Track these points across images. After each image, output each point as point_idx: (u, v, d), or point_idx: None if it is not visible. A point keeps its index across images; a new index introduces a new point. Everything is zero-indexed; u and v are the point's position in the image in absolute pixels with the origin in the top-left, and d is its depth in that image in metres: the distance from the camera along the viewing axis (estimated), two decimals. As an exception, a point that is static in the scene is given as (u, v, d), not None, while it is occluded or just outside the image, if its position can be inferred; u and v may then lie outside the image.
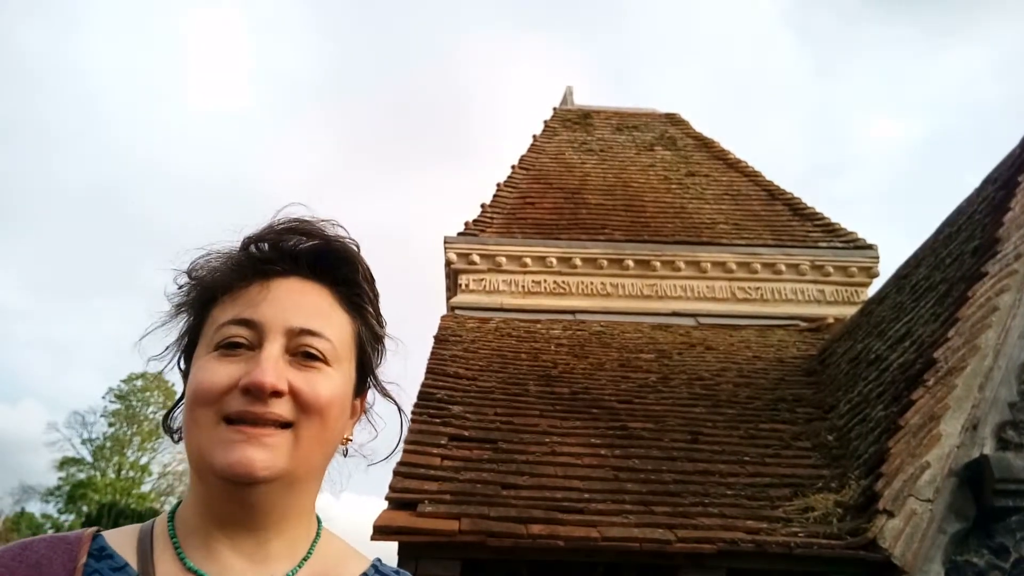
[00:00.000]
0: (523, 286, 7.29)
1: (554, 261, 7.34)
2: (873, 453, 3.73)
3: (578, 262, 7.36)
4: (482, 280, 7.29)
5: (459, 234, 7.46)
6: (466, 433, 4.32)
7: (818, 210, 8.20)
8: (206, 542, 0.82)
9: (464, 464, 3.96)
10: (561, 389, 5.18)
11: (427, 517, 3.40)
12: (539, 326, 6.67)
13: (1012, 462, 3.48)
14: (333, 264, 0.89)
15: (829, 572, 3.35)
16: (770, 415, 4.90)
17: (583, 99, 10.71)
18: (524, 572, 3.49)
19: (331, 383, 0.84)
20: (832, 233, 7.80)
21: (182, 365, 0.91)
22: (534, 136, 9.44)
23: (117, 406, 29.91)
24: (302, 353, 0.83)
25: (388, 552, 3.40)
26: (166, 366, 0.92)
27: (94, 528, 0.84)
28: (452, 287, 7.47)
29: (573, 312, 7.14)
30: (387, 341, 0.97)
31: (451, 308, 7.20)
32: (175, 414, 0.92)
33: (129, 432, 29.63)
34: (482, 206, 7.94)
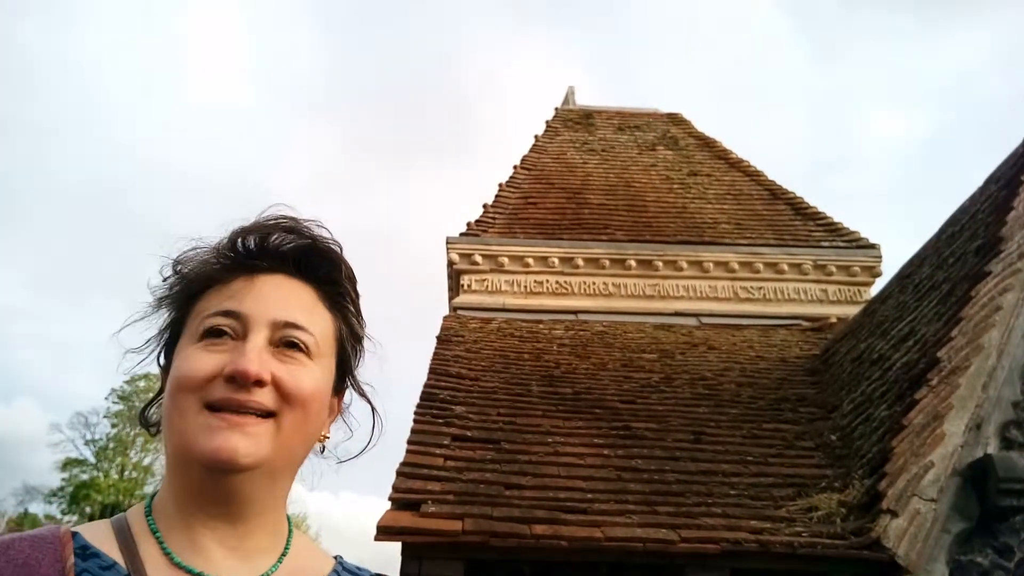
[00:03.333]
0: (525, 286, 7.29)
1: (556, 261, 7.34)
2: (877, 453, 3.72)
3: (580, 262, 7.36)
4: (484, 280, 7.29)
5: (461, 234, 7.46)
6: (469, 433, 4.32)
7: (820, 209, 8.19)
8: (190, 536, 0.81)
9: (467, 464, 3.96)
10: (564, 389, 5.17)
11: (430, 517, 3.40)
12: (541, 326, 6.66)
13: (1016, 461, 3.47)
14: (317, 263, 0.91)
15: (833, 572, 3.35)
16: (773, 415, 4.90)
17: (585, 99, 10.71)
18: (527, 572, 3.49)
19: (313, 376, 0.85)
20: (835, 232, 7.79)
21: (162, 360, 0.91)
22: (536, 136, 9.43)
23: (120, 407, 29.92)
24: (285, 344, 0.84)
25: (391, 552, 3.40)
26: (144, 360, 0.92)
27: (67, 526, 0.81)
28: (454, 287, 7.47)
29: (575, 312, 7.13)
30: (366, 342, 0.97)
31: (453, 308, 7.20)
32: (152, 408, 0.92)
33: (132, 433, 29.61)
34: (484, 206, 7.94)
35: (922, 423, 3.56)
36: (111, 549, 0.78)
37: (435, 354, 5.62)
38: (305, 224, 0.91)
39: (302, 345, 0.85)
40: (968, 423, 3.58)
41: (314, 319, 0.88)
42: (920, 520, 3.30)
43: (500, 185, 8.36)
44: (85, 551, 0.77)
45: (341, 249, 0.93)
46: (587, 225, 7.73)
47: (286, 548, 0.87)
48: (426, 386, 4.92)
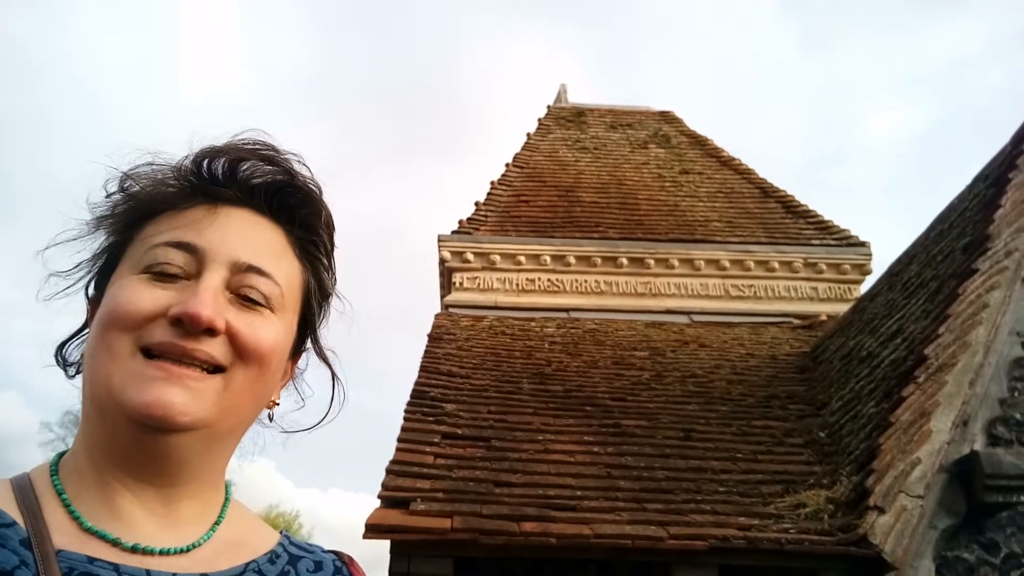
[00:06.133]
0: (517, 284, 7.29)
1: (548, 259, 7.34)
2: (864, 449, 3.74)
3: (572, 260, 7.36)
4: (476, 278, 7.28)
5: (453, 232, 7.46)
6: (459, 431, 4.32)
7: (812, 207, 8.23)
8: (107, 497, 0.69)
9: (457, 462, 3.96)
10: (555, 387, 5.18)
11: (420, 515, 3.40)
12: (533, 324, 6.67)
13: (1002, 458, 3.50)
14: (293, 203, 0.79)
15: (820, 568, 3.36)
16: (763, 412, 4.91)
17: (578, 95, 10.73)
18: (517, 570, 3.49)
19: (274, 331, 0.74)
20: (825, 231, 7.82)
21: (91, 291, 0.79)
22: (528, 134, 9.43)
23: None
24: (244, 295, 0.73)
25: (380, 550, 3.40)
26: (71, 287, 0.79)
27: None
28: (446, 285, 7.47)
29: (567, 310, 7.14)
30: (334, 301, 0.86)
31: (445, 306, 7.19)
32: (72, 344, 0.80)
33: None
34: (476, 204, 7.94)
35: (909, 420, 3.58)
36: (9, 508, 0.66)
37: (426, 352, 5.62)
38: (285, 156, 0.79)
39: (263, 296, 0.73)
40: (955, 420, 3.60)
41: (281, 266, 0.76)
42: (907, 516, 3.32)
43: (492, 183, 8.36)
44: None
45: (321, 192, 0.82)
46: (579, 223, 7.73)
47: (220, 517, 0.76)
48: (417, 384, 4.92)
